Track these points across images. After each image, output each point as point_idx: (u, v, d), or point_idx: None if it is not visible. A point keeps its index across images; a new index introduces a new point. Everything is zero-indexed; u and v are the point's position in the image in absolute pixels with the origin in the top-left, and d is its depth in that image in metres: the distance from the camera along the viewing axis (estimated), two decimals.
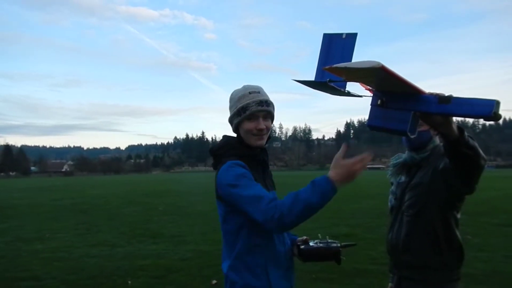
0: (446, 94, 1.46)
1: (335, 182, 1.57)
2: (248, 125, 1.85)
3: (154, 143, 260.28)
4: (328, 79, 1.81)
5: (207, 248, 7.46)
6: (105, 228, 10.45)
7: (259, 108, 1.85)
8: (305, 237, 2.04)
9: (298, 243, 2.01)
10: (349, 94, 1.87)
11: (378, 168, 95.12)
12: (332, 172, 1.59)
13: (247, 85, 1.95)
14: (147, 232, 9.52)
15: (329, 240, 2.02)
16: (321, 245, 1.98)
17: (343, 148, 1.66)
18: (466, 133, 1.58)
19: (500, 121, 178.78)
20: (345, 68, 1.42)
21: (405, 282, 2.11)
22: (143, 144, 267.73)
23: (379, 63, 1.30)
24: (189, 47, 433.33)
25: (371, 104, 1.67)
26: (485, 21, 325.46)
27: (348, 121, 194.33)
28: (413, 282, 2.06)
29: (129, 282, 5.44)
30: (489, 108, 1.36)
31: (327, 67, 1.48)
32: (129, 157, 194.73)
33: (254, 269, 1.78)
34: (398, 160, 2.24)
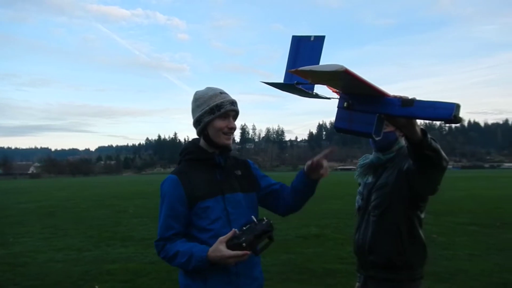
0: (410, 97, 1.49)
1: (209, 261, 1.72)
2: (220, 123, 1.90)
3: (125, 144, 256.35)
4: (295, 82, 1.83)
5: None
6: (72, 231, 10.14)
7: (232, 107, 1.92)
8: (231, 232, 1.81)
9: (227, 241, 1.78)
10: (317, 96, 1.89)
11: (349, 169, 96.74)
12: (211, 253, 1.72)
13: (211, 87, 1.98)
14: (116, 235, 9.30)
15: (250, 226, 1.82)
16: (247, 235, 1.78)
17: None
18: (429, 136, 1.61)
19: (465, 124, 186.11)
20: (310, 71, 1.44)
21: (371, 282, 2.14)
22: (114, 145, 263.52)
23: (342, 66, 1.33)
24: (162, 47, 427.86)
25: (337, 107, 1.69)
26: (451, 27, 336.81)
27: (321, 123, 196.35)
28: (378, 281, 2.10)
29: (96, 287, 5.29)
30: (449, 111, 1.39)
31: (293, 70, 1.49)
32: (99, 159, 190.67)
33: (191, 272, 1.85)
34: (365, 161, 2.27)
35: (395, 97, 1.52)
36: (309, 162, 1.93)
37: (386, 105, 1.53)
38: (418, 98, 1.49)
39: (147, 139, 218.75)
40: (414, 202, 2.04)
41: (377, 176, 2.18)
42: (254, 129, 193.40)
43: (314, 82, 1.71)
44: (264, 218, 1.84)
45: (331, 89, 1.83)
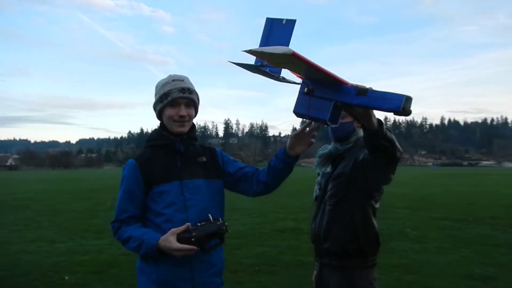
0: (367, 87, 1.52)
1: (159, 249, 1.76)
2: (169, 112, 1.92)
3: (107, 137, 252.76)
4: (259, 64, 1.87)
5: None
6: (46, 224, 9.99)
7: (181, 95, 1.91)
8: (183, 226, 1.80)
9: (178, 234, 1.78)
10: (284, 80, 1.92)
11: None
12: (161, 242, 1.76)
13: (172, 74, 1.99)
14: (91, 227, 9.20)
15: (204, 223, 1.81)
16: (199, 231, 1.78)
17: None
18: (384, 126, 1.64)
19: (445, 122, 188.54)
20: (261, 53, 1.47)
21: (325, 269, 2.19)
22: (95, 138, 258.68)
23: (290, 49, 1.36)
24: (146, 39, 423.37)
25: (299, 92, 1.71)
26: (433, 27, 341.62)
27: (305, 119, 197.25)
28: (332, 269, 2.14)
29: (66, 278, 5.23)
30: (398, 103, 1.41)
31: (247, 49, 1.50)
32: (80, 152, 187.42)
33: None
34: (323, 151, 2.31)
35: (352, 86, 1.54)
36: (295, 132, 1.95)
37: (343, 93, 1.55)
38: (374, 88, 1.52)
39: (130, 132, 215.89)
40: (368, 192, 2.09)
41: (335, 166, 2.21)
42: (237, 124, 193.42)
43: (271, 64, 1.73)
44: (220, 219, 1.84)
45: (295, 74, 1.85)
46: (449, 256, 6.23)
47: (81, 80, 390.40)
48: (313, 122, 1.90)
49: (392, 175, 1.91)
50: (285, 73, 1.92)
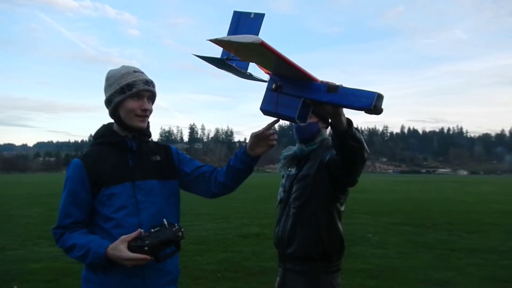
0: (337, 84, 1.46)
1: (107, 258, 1.60)
2: (132, 104, 1.75)
3: (67, 140, 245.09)
4: (225, 57, 1.77)
5: None
6: None
7: (146, 87, 1.77)
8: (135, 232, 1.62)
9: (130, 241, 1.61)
10: (250, 76, 1.84)
11: None
12: (110, 250, 1.59)
13: (127, 65, 1.85)
14: (46, 234, 8.69)
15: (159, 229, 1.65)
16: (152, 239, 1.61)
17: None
18: (353, 126, 1.60)
19: (405, 131, 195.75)
20: (228, 42, 1.38)
21: (289, 275, 2.11)
22: (54, 142, 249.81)
23: (259, 39, 1.29)
24: (111, 42, 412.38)
25: (266, 88, 1.64)
26: (394, 39, 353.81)
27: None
28: (296, 274, 2.06)
29: (15, 287, 4.90)
30: (369, 101, 1.36)
31: (212, 39, 1.41)
32: (37, 155, 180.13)
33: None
34: (288, 153, 2.24)
35: (322, 82, 1.48)
36: (257, 132, 1.81)
37: (312, 90, 1.49)
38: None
39: (91, 135, 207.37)
40: (334, 194, 2.03)
41: (300, 167, 2.15)
42: (203, 129, 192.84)
43: (238, 55, 1.64)
44: (176, 224, 1.68)
45: (263, 70, 1.77)
46: (410, 261, 6.34)
47: (42, 82, 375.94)
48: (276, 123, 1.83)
49: (358, 177, 1.87)
50: (253, 69, 1.84)
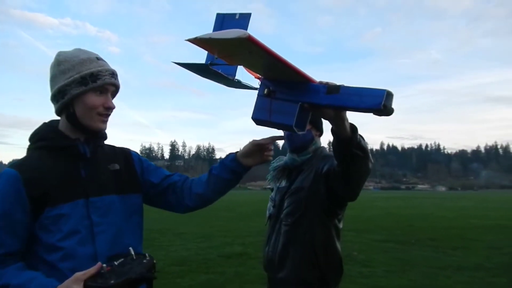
0: (338, 83, 1.27)
1: None
2: (95, 100, 1.39)
3: None
4: (209, 62, 1.55)
5: None
6: None
7: (112, 80, 1.43)
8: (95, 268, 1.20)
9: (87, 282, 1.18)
10: (239, 84, 1.63)
11: None
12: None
13: (83, 49, 1.48)
14: None
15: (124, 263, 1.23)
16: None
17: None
18: (358, 133, 1.41)
19: (385, 147, 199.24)
20: (210, 39, 1.18)
21: None
22: None
23: (246, 32, 1.09)
24: None
25: (258, 94, 1.45)
26: (373, 58, 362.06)
27: None
28: None
29: None
30: (377, 100, 1.17)
31: (191, 38, 1.21)
32: None
33: None
34: (278, 163, 2.02)
35: (321, 83, 1.30)
36: (259, 141, 1.54)
37: (310, 93, 1.31)
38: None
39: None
40: (331, 209, 1.82)
41: (292, 179, 1.94)
42: (184, 146, 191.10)
43: (226, 60, 1.43)
44: (147, 254, 1.28)
45: (252, 74, 1.58)
46: (398, 281, 6.15)
47: (19, 98, 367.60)
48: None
49: (360, 190, 1.66)
50: (241, 75, 1.65)
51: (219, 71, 1.57)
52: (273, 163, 2.06)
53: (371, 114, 1.22)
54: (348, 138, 1.37)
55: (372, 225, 14.02)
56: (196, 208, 1.64)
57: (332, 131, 1.40)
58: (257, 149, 1.56)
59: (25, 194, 1.29)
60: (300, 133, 1.43)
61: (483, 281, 6.05)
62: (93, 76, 1.38)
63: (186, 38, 1.23)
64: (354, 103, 1.22)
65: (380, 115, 1.20)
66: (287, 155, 2.01)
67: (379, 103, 1.16)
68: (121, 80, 1.47)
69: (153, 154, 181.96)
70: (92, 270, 1.18)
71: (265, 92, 1.41)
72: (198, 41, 1.21)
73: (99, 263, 1.20)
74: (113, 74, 1.44)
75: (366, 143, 1.44)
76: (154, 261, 1.26)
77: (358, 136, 1.40)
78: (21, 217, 1.29)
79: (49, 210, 1.30)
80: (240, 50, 1.22)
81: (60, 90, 1.39)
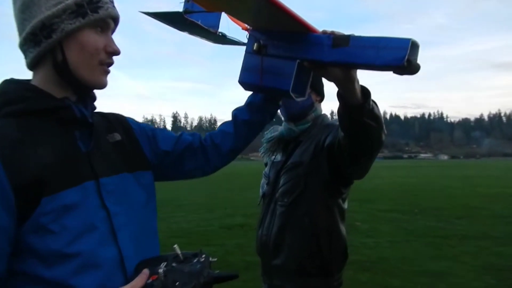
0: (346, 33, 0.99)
1: None
2: (95, 39, 0.94)
3: None
4: (184, 9, 1.24)
5: None
6: None
7: (116, 12, 0.99)
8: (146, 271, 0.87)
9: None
10: (224, 37, 1.33)
11: None
12: None
13: None
14: None
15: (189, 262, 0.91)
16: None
17: None
18: (371, 98, 1.11)
19: (387, 117, 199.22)
20: None
21: None
22: None
23: None
24: None
25: (246, 51, 1.18)
26: (375, 24, 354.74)
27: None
28: None
29: None
30: (401, 53, 0.88)
31: None
32: None
33: None
34: (272, 134, 1.74)
35: (325, 33, 1.02)
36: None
37: (311, 46, 1.03)
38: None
39: None
40: (335, 187, 1.57)
41: (288, 153, 1.68)
42: (186, 117, 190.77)
43: (210, 9, 1.14)
44: (201, 251, 0.94)
45: (238, 24, 1.30)
46: (402, 251, 6.02)
47: None
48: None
49: (370, 166, 1.38)
50: (226, 28, 1.35)
51: (199, 22, 1.23)
52: (266, 133, 1.79)
53: (390, 72, 0.94)
54: (358, 104, 1.08)
55: (376, 194, 13.90)
56: (225, 164, 1.34)
57: (339, 95, 1.10)
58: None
59: (7, 184, 0.80)
60: (299, 99, 1.17)
61: (490, 251, 5.90)
62: (93, 4, 0.93)
63: None
64: (368, 58, 0.93)
65: (402, 73, 0.92)
66: (283, 124, 1.73)
67: (402, 57, 0.88)
68: (122, 50, 1.00)
69: (155, 126, 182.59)
70: (138, 281, 0.84)
71: (255, 47, 1.14)
72: None
73: (145, 271, 0.86)
74: (113, 3, 1.00)
75: (379, 111, 1.15)
76: (211, 259, 0.95)
77: (371, 102, 1.11)
78: (6, 222, 0.80)
79: (47, 202, 0.83)
80: None
81: (44, 24, 0.90)
